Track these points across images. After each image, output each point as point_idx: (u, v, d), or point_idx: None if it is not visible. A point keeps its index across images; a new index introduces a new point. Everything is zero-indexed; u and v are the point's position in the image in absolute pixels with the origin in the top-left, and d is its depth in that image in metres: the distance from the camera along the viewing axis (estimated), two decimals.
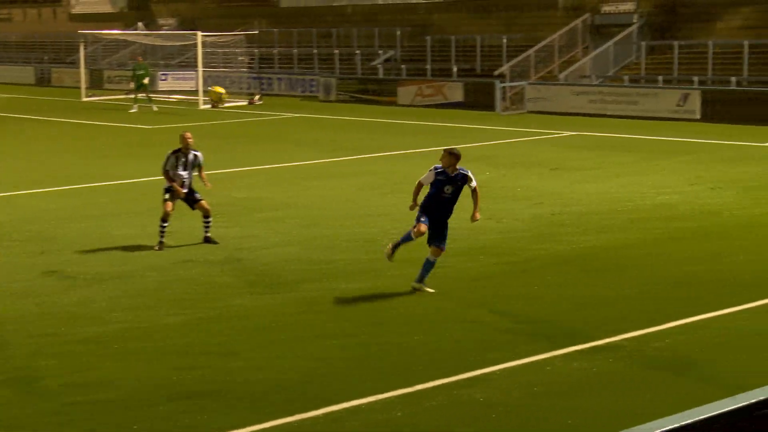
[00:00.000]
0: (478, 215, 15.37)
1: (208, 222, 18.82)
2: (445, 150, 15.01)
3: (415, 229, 14.95)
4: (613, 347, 12.45)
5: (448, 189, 14.87)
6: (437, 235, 14.99)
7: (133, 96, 47.75)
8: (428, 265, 15.08)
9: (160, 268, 16.96)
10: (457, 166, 14.87)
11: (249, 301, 14.91)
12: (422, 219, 14.94)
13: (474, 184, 15.07)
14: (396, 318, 14.02)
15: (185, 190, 18.65)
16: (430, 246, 15.06)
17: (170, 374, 11.82)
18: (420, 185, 15.07)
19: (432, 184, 14.94)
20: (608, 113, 41.64)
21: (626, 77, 44.48)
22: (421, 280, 15.13)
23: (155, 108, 45.90)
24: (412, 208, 15.20)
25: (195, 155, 18.83)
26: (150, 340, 13.13)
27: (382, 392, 11.04)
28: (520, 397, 10.81)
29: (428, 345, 12.79)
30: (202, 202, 18.79)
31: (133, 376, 11.79)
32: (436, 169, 14.96)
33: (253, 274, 16.52)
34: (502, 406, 10.56)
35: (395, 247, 15.54)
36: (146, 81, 46.90)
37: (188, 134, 19.02)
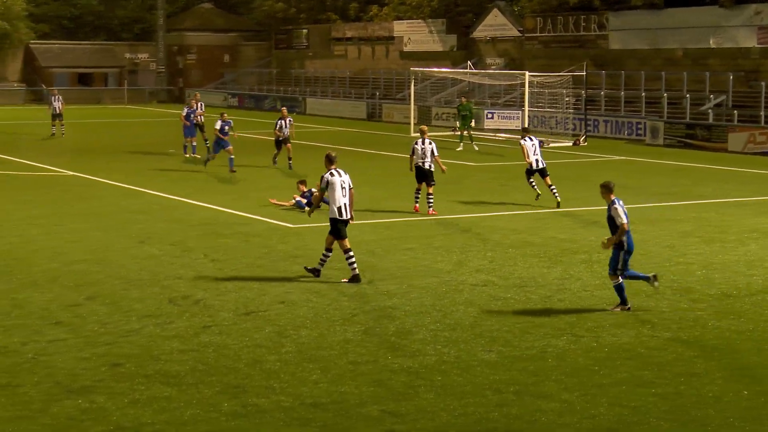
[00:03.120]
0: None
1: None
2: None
3: None
4: None
5: None
6: None
7: (458, 134, 48.64)
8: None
9: (476, 304, 17.24)
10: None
11: (566, 343, 14.90)
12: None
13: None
14: (715, 369, 13.63)
15: None
16: None
17: (484, 410, 12.00)
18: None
19: None
20: None
21: None
22: None
23: (476, 147, 46.46)
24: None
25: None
26: (465, 374, 13.37)
27: None
28: None
29: (750, 400, 12.34)
30: None
31: (448, 409, 12.04)
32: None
33: (573, 316, 16.50)
34: None
35: None
36: (472, 123, 47.63)
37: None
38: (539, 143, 29.67)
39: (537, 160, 28.85)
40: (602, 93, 57.86)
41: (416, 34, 77.02)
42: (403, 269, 19.99)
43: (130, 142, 49.47)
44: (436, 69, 64.76)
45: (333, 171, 19.07)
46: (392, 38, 79.88)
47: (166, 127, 46.90)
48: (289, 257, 21.12)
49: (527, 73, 50.80)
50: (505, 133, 55.09)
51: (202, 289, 18.23)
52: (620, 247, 16.85)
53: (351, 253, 18.89)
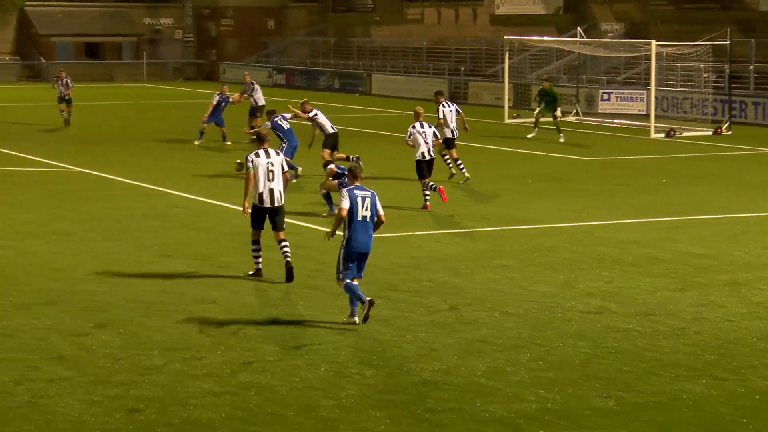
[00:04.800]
0: None
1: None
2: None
3: None
4: None
5: None
6: None
7: (535, 119, 47.91)
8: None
9: (589, 336, 17.16)
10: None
11: (704, 388, 14.78)
12: None
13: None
14: None
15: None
16: None
17: None
18: None
19: None
20: None
21: None
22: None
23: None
24: None
25: None
26: (575, 426, 13.33)
27: None
28: None
29: None
30: None
31: None
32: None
33: (713, 353, 16.38)
34: None
35: None
36: (558, 112, 47.17)
37: None
38: (456, 109, 34.29)
39: (453, 130, 33.68)
40: (751, 67, 57.35)
41: None
42: (495, 292, 19.95)
43: (150, 130, 49.94)
44: (536, 38, 64.56)
45: (259, 151, 20.75)
46: None
47: (196, 110, 47.17)
48: None
49: (653, 42, 50.41)
50: (624, 119, 54.78)
51: (241, 315, 18.33)
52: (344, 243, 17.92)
53: (258, 246, 20.91)
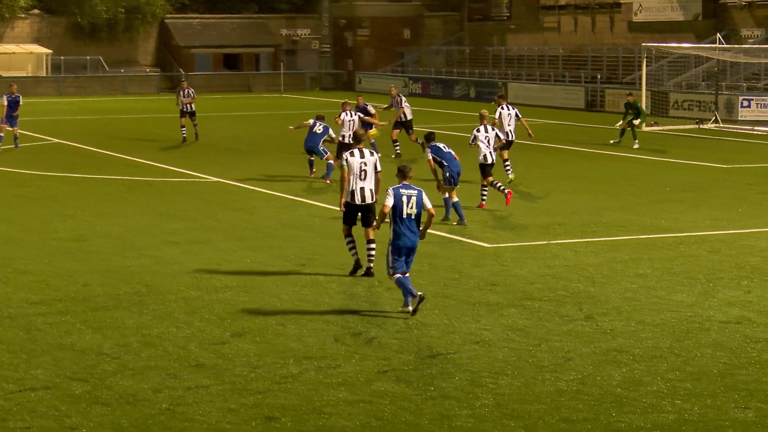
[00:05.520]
0: None
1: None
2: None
3: None
4: None
5: None
6: None
7: (638, 129, 47.27)
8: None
9: (728, 347, 16.97)
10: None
11: None
12: None
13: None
14: None
15: None
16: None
17: None
18: None
19: None
20: None
21: None
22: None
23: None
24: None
25: None
26: None
27: None
28: None
29: None
30: None
31: None
32: None
33: None
34: None
35: None
36: (643, 126, 46.99)
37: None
38: (516, 114, 35.36)
39: (509, 132, 34.57)
40: None
41: None
42: (632, 301, 19.81)
43: (288, 140, 50.34)
44: (675, 44, 63.97)
45: (354, 150, 21.95)
46: (618, 5, 79.32)
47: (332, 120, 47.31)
48: (485, 285, 21.17)
49: None
50: (765, 126, 53.97)
51: (376, 325, 18.42)
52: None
53: (351, 239, 22.04)
